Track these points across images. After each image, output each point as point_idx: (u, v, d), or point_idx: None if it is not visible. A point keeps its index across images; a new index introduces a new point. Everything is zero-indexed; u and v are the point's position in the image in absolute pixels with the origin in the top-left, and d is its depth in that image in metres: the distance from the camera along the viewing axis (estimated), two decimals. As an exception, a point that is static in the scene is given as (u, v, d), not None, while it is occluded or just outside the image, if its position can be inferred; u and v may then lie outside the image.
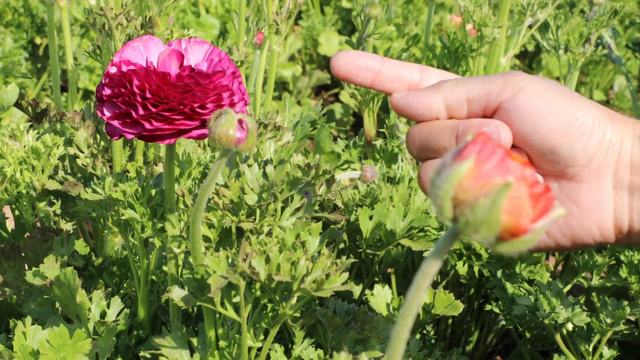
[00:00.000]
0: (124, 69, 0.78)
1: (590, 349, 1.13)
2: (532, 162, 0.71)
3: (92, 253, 1.12)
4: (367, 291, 1.21)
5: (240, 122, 0.72)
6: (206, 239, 0.88)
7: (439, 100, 0.73)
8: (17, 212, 1.16)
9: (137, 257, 0.97)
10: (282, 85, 2.64)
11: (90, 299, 0.94)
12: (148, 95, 0.76)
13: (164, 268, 0.99)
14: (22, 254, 1.06)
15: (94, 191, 0.89)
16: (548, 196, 0.44)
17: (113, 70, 0.78)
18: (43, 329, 0.93)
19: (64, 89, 2.39)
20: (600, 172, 0.70)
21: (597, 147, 0.69)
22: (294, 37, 2.68)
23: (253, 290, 0.82)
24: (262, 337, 0.87)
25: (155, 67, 0.80)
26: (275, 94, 2.50)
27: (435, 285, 1.30)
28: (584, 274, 1.27)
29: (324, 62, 2.73)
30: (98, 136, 1.13)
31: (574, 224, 0.72)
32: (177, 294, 0.82)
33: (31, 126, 1.25)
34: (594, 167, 0.70)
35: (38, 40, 2.40)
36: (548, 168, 0.71)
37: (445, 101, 0.73)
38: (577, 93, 0.72)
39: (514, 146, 0.72)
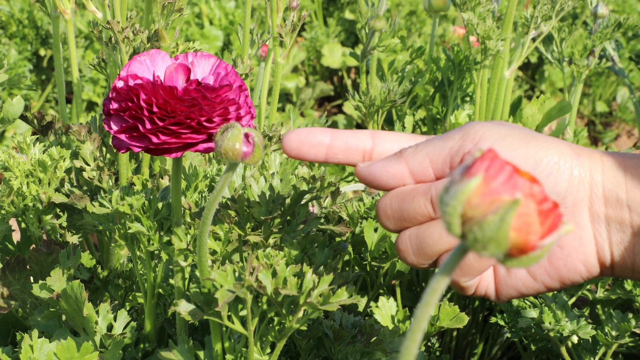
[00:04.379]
0: (131, 83, 0.78)
1: (596, 362, 1.13)
2: None
3: (98, 265, 1.12)
4: (372, 303, 1.21)
5: (246, 136, 0.73)
6: (213, 252, 0.88)
7: (402, 167, 0.73)
8: (23, 225, 1.16)
9: (144, 270, 0.97)
10: (285, 97, 2.64)
11: (97, 312, 0.94)
12: (155, 109, 0.76)
13: (171, 281, 1.00)
14: (27, 267, 1.06)
15: (101, 205, 0.89)
16: (556, 213, 0.44)
17: (120, 84, 0.78)
18: (50, 342, 0.93)
19: (68, 100, 2.39)
20: (575, 208, 0.70)
21: (567, 185, 0.69)
22: (298, 48, 2.69)
23: (260, 304, 0.83)
24: (268, 350, 0.87)
25: (162, 81, 0.80)
26: (278, 105, 2.50)
27: (440, 297, 1.29)
28: (588, 287, 1.27)
29: (328, 74, 2.73)
30: (104, 149, 1.13)
31: (559, 265, 0.72)
32: (184, 307, 0.82)
33: (37, 139, 1.25)
34: (569, 205, 0.70)
35: (42, 52, 2.40)
36: None
37: (409, 167, 0.73)
38: (537, 133, 0.71)
39: None
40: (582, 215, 0.70)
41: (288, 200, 0.89)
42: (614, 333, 1.08)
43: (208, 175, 1.01)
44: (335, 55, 2.59)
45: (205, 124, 0.77)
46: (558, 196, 0.69)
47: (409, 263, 0.74)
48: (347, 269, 1.22)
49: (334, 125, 2.47)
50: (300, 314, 0.81)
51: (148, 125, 0.76)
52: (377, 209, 0.75)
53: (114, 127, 0.78)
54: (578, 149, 0.71)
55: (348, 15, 2.76)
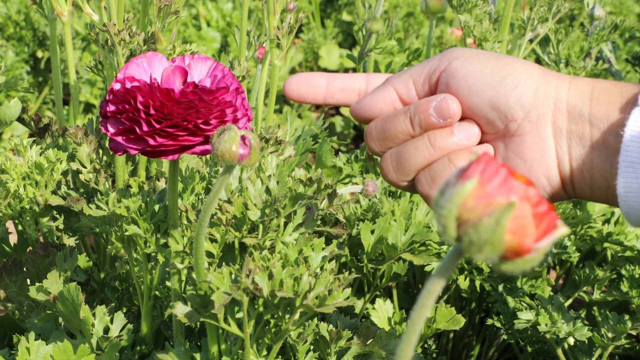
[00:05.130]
0: (128, 85, 0.78)
1: (592, 363, 1.13)
2: (480, 127, 0.74)
3: (95, 268, 1.12)
4: (368, 305, 1.21)
5: (243, 138, 0.73)
6: (209, 254, 0.88)
7: (390, 91, 0.77)
8: (20, 227, 1.16)
9: (141, 273, 0.97)
10: (282, 98, 2.64)
11: (94, 315, 0.94)
12: (152, 111, 0.76)
13: (167, 283, 1.00)
14: (24, 269, 1.06)
15: (98, 207, 0.89)
16: (551, 215, 0.45)
17: (117, 86, 0.78)
18: (46, 344, 0.93)
19: (65, 102, 2.39)
20: (539, 121, 0.72)
21: (532, 99, 0.72)
22: (295, 50, 2.69)
23: (256, 306, 0.83)
24: (265, 352, 0.87)
25: (159, 83, 0.80)
26: (276, 106, 2.50)
27: (436, 299, 1.29)
28: (585, 288, 1.27)
29: (325, 75, 2.73)
30: (101, 151, 1.13)
31: None
32: (180, 310, 0.82)
33: (34, 141, 1.25)
34: (533, 119, 0.72)
35: (39, 54, 2.40)
36: (493, 130, 0.74)
37: (395, 90, 0.77)
38: (511, 56, 0.75)
39: (463, 118, 0.75)
40: (545, 129, 0.73)
41: (285, 203, 0.89)
42: (610, 335, 1.09)
43: (205, 177, 1.01)
44: (332, 56, 2.59)
45: (202, 126, 0.77)
46: (522, 109, 0.72)
47: (389, 180, 0.77)
48: (344, 271, 1.22)
49: (332, 126, 2.47)
50: (297, 316, 0.81)
51: (145, 128, 0.76)
52: (365, 132, 0.78)
53: (111, 130, 0.78)
54: (548, 71, 0.74)
55: (345, 17, 2.76)
